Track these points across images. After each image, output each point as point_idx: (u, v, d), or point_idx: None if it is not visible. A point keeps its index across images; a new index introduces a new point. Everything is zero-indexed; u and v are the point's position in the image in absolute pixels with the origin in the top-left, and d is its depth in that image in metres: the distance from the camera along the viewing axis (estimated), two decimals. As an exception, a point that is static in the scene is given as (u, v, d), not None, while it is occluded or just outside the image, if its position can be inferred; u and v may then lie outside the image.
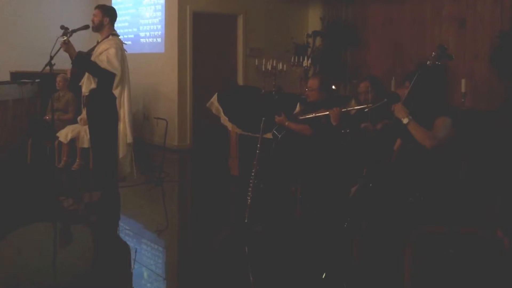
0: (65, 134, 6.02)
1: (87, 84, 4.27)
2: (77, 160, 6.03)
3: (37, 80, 6.77)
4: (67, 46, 4.08)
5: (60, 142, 6.06)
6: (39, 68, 7.23)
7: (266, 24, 7.71)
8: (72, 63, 4.23)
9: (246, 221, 4.07)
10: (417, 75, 2.97)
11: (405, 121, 2.91)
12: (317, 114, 4.11)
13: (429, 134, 2.86)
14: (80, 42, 4.23)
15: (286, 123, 4.24)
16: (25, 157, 6.14)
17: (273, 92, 5.34)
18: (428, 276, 2.82)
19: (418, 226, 2.73)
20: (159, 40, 7.43)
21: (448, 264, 2.85)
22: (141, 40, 7.76)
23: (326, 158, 3.99)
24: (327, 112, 4.03)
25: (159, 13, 7.40)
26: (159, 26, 7.40)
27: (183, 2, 7.11)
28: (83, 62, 4.21)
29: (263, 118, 4.17)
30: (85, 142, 5.96)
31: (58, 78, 6.29)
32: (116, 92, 4.28)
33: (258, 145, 4.15)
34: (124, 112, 4.32)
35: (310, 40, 7.53)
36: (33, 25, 7.87)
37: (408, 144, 2.95)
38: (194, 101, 7.27)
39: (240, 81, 7.61)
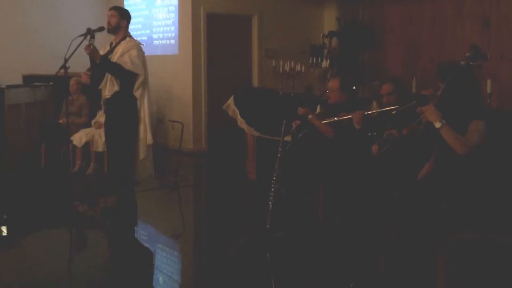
0: (79, 138, 6.00)
1: (110, 87, 4.22)
2: (92, 164, 6.00)
3: (50, 83, 6.78)
4: (92, 49, 4.06)
5: (74, 146, 6.04)
6: (51, 71, 7.29)
7: (281, 25, 7.62)
8: (97, 66, 4.17)
9: (268, 226, 4.00)
10: (450, 76, 2.86)
11: (438, 125, 2.77)
12: (339, 118, 4.03)
13: (462, 141, 2.74)
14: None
15: (310, 116, 4.16)
16: (39, 161, 6.11)
17: (304, 92, 5.28)
18: (461, 282, 2.75)
19: (451, 232, 2.64)
20: (172, 42, 7.39)
21: (481, 271, 2.78)
22: (155, 42, 7.72)
23: (349, 162, 3.91)
24: (350, 116, 3.96)
25: (172, 15, 7.37)
26: (173, 28, 7.36)
27: (197, 3, 7.05)
28: (108, 64, 4.17)
29: (284, 121, 4.11)
30: (99, 146, 5.93)
31: (72, 82, 6.27)
32: (137, 93, 4.26)
33: (280, 149, 4.08)
34: (144, 114, 4.31)
35: (326, 40, 7.46)
36: (45, 28, 7.85)
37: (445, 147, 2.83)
38: (209, 103, 7.22)
39: (256, 82, 7.54)
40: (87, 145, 5.99)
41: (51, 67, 7.35)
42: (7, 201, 4.91)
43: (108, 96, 4.26)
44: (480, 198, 2.72)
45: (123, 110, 4.25)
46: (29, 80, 6.93)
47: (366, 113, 3.93)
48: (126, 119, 4.26)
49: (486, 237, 2.59)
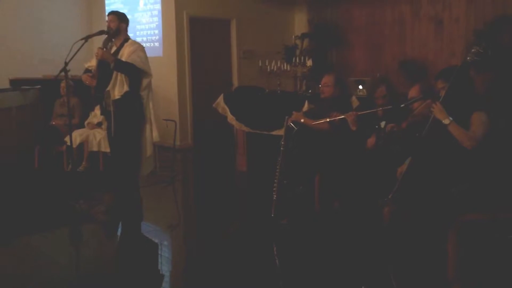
0: (73, 139, 5.67)
1: (120, 87, 4.02)
2: (83, 163, 5.74)
3: (37, 87, 6.37)
4: (104, 52, 3.91)
5: (68, 147, 5.70)
6: (37, 74, 6.88)
7: (257, 28, 7.60)
8: (107, 69, 3.97)
9: (272, 215, 3.92)
10: (456, 72, 2.85)
11: (446, 122, 2.78)
12: (331, 119, 3.85)
13: (469, 135, 2.74)
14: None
15: (302, 120, 4.10)
16: (32, 163, 5.78)
17: (307, 91, 5.21)
18: (472, 264, 2.70)
19: (460, 215, 2.63)
20: (157, 44, 7.16)
21: (492, 252, 2.75)
22: (138, 45, 7.44)
23: (345, 151, 3.88)
24: (343, 116, 3.85)
25: (156, 19, 7.13)
26: (157, 31, 7.13)
27: (180, 7, 6.89)
28: (122, 64, 3.97)
29: (286, 117, 4.02)
30: (94, 145, 5.71)
31: (62, 84, 5.94)
32: (144, 93, 4.10)
33: (282, 143, 4.00)
34: (150, 112, 4.18)
35: (298, 41, 7.44)
36: (29, 32, 7.45)
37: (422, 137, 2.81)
38: (193, 102, 7.07)
39: (235, 81, 7.43)
40: (81, 145, 5.71)
41: (36, 71, 6.96)
42: (9, 203, 4.56)
43: (117, 97, 4.03)
44: (490, 181, 2.71)
45: (132, 110, 4.09)
46: (16, 83, 6.50)
47: (359, 113, 3.83)
48: (135, 119, 4.12)
49: (495, 218, 2.59)
